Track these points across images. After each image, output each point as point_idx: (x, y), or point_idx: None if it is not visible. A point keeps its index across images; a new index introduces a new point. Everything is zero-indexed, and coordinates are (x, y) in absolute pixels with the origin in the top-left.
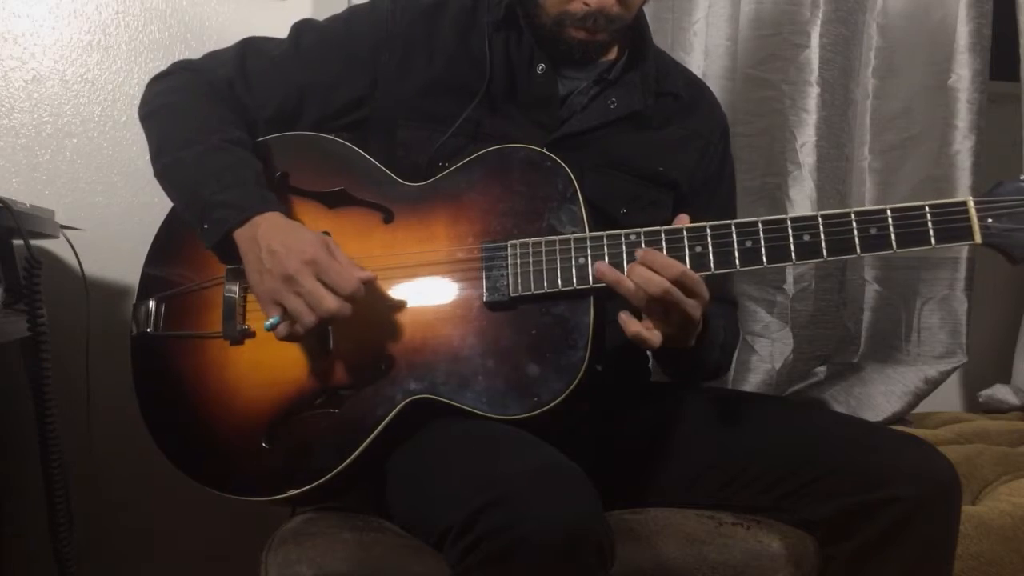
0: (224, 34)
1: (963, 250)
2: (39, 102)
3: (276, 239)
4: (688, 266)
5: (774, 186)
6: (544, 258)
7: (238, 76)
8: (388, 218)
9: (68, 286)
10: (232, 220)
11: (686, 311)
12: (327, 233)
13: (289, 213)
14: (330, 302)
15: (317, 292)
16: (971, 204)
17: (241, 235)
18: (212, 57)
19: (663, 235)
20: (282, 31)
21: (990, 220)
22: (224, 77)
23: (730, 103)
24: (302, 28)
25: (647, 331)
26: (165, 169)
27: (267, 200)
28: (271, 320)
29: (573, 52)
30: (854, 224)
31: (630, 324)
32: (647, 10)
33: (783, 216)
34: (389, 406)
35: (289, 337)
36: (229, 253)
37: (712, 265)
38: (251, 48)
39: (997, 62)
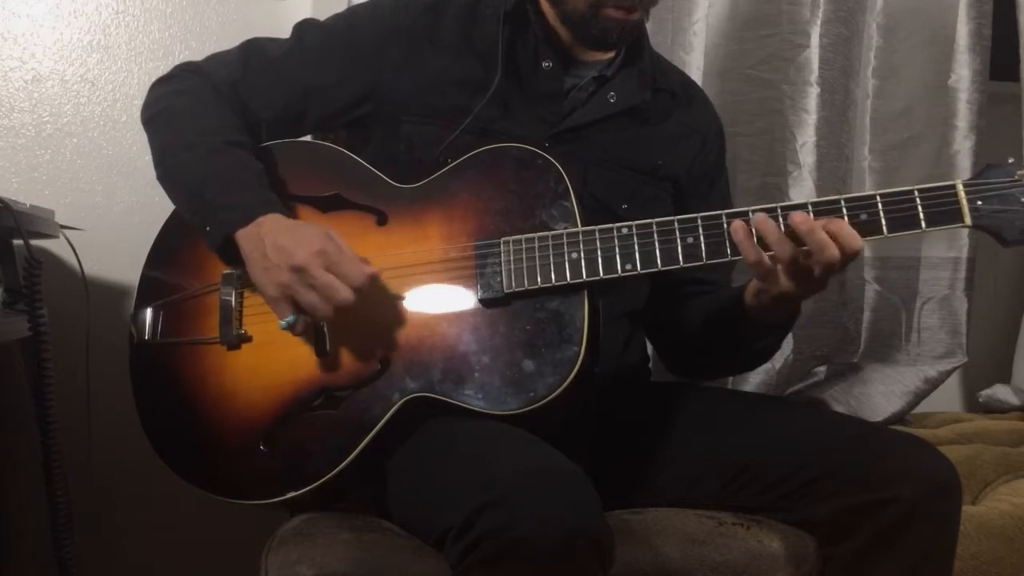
0: (224, 34)
1: (963, 250)
2: (39, 102)
3: (282, 235)
4: (681, 258)
5: (774, 186)
6: (537, 254)
7: (241, 78)
8: (382, 220)
9: (68, 286)
10: (236, 221)
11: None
12: None
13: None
14: (345, 292)
15: (331, 283)
16: (960, 187)
17: (244, 234)
18: (215, 59)
19: (655, 227)
20: (282, 30)
21: (979, 202)
22: (227, 79)
23: (730, 103)
24: (305, 27)
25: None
26: (167, 172)
27: (270, 201)
28: (287, 319)
29: (609, 34)
30: (844, 210)
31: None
32: None
33: (774, 205)
34: (386, 405)
35: (307, 332)
36: (232, 255)
37: (704, 256)
38: (254, 49)
39: (997, 62)
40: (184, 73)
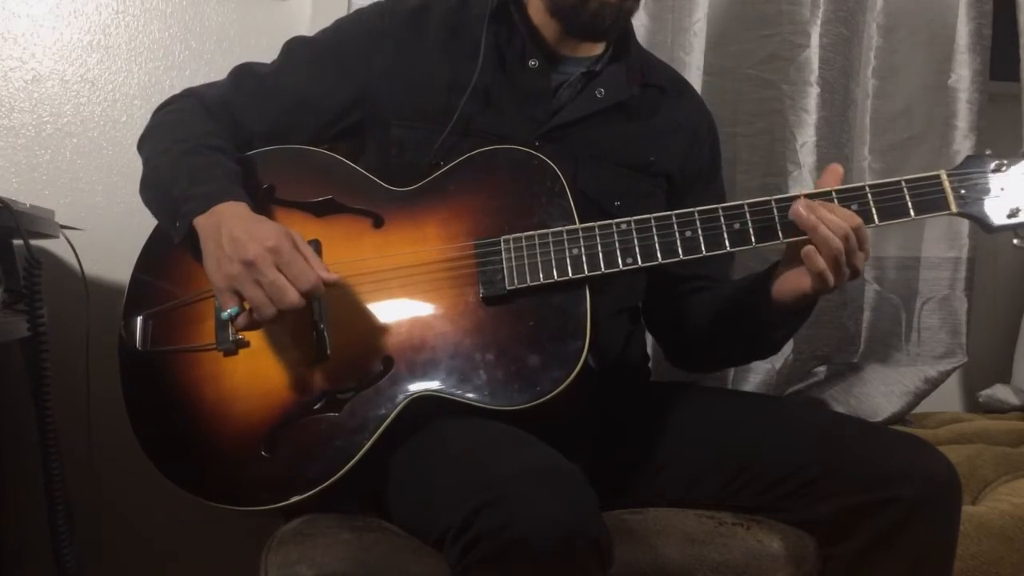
0: (224, 34)
1: (963, 250)
2: (39, 102)
3: (239, 227)
4: (681, 251)
5: (774, 186)
6: (538, 251)
7: (233, 96)
8: (378, 223)
9: (68, 286)
10: (196, 210)
11: (855, 263)
12: (317, 241)
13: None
14: (292, 296)
15: (279, 284)
16: (944, 176)
17: (202, 222)
18: (209, 84)
19: (653, 222)
20: (282, 31)
21: (963, 191)
22: (219, 99)
23: (730, 103)
24: (293, 44)
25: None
26: (144, 181)
27: (234, 193)
28: (229, 311)
29: (600, 20)
30: (835, 201)
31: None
32: (647, 10)
33: (768, 198)
34: (391, 406)
35: (248, 328)
36: (199, 247)
37: (703, 248)
38: (244, 72)
39: (997, 62)
40: (179, 97)
